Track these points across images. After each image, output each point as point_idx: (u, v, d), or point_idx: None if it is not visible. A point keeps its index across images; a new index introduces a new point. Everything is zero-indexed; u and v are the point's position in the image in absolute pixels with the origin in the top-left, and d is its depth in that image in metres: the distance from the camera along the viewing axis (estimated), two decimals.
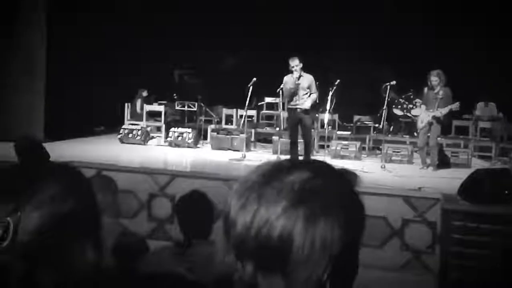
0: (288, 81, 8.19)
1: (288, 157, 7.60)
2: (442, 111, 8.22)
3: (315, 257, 0.86)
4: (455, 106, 8.25)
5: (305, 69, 8.21)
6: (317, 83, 8.40)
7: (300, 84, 8.08)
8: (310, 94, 8.16)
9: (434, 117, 8.25)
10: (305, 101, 8.10)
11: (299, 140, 8.29)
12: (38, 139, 5.92)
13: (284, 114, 11.15)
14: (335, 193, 0.90)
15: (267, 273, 0.87)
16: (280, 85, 9.27)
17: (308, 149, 8.30)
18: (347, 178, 0.94)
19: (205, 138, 10.82)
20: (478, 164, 8.98)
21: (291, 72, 8.13)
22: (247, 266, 0.87)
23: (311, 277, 0.87)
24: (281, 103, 10.03)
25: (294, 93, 8.10)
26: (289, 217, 0.85)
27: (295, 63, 8.03)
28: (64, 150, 8.25)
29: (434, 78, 8.18)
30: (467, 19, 11.32)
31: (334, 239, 0.87)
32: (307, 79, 8.14)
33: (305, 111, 8.15)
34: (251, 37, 12.56)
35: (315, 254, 0.86)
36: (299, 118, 8.13)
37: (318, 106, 8.63)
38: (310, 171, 0.90)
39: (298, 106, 8.12)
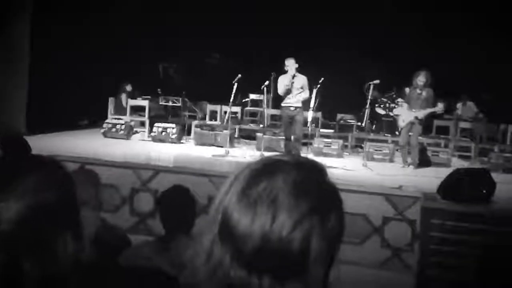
0: (283, 80, 8.48)
1: (275, 153, 7.66)
2: (425, 112, 8.32)
3: (328, 254, 0.88)
4: (439, 109, 8.36)
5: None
6: (318, 86, 8.65)
7: (294, 83, 8.40)
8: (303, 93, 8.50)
9: (416, 117, 8.35)
10: (297, 100, 8.44)
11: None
12: (20, 132, 5.88)
13: (268, 111, 11.21)
14: (325, 187, 0.92)
15: (286, 281, 0.85)
16: (265, 82, 9.33)
17: (297, 145, 8.49)
18: (326, 171, 0.96)
19: (189, 133, 10.80)
20: (458, 163, 9.09)
21: (286, 72, 8.45)
22: (264, 279, 0.85)
23: (324, 275, 0.89)
24: (265, 100, 10.06)
25: (287, 92, 8.41)
26: (307, 223, 0.85)
27: (291, 63, 8.39)
28: (46, 144, 8.18)
29: (422, 78, 8.26)
30: (451, 20, 11.43)
31: (335, 233, 0.89)
32: (301, 79, 8.48)
33: (297, 109, 8.45)
34: (236, 34, 12.55)
35: (328, 251, 0.88)
36: (292, 115, 8.43)
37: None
38: (301, 169, 0.91)
39: (291, 105, 8.46)
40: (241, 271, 0.85)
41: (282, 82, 8.48)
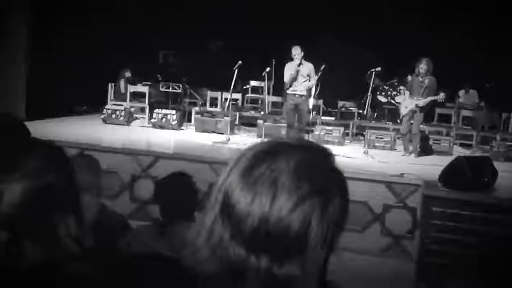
0: (289, 67, 8.50)
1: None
2: (425, 101, 8.28)
3: (327, 238, 0.87)
4: (441, 97, 8.32)
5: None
6: (320, 73, 8.68)
7: (300, 71, 8.42)
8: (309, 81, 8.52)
9: (417, 105, 8.32)
10: (302, 88, 8.47)
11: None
12: (20, 118, 5.84)
13: (269, 98, 11.17)
14: (329, 172, 0.92)
15: (283, 262, 0.85)
16: (266, 68, 9.30)
17: (302, 134, 8.52)
18: (332, 156, 0.95)
19: (189, 120, 10.78)
20: (459, 151, 9.09)
21: (292, 59, 8.46)
22: (262, 259, 0.85)
23: (323, 259, 0.89)
24: (266, 87, 10.04)
25: (293, 79, 8.44)
26: (307, 205, 0.85)
27: (297, 52, 8.40)
28: (46, 129, 8.16)
29: (423, 66, 8.22)
30: (453, 8, 11.36)
31: (337, 218, 0.89)
32: (307, 67, 8.49)
33: (302, 96, 8.47)
34: (237, 21, 12.47)
35: (328, 235, 0.87)
36: (296, 103, 8.46)
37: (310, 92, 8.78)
38: (305, 151, 0.91)
39: (296, 92, 8.48)
40: (240, 250, 0.85)
41: (288, 71, 8.49)
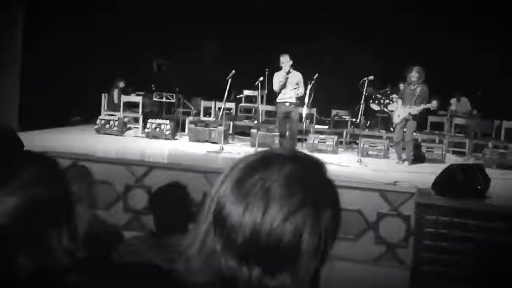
0: (278, 76, 8.52)
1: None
2: (418, 109, 8.32)
3: (319, 248, 0.87)
4: (434, 105, 8.36)
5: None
6: (313, 82, 8.72)
7: (289, 79, 8.43)
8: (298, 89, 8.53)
9: (410, 114, 8.36)
10: (292, 96, 8.48)
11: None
12: (12, 128, 5.83)
13: (262, 108, 11.19)
14: (320, 183, 0.92)
15: (275, 273, 0.85)
16: (259, 78, 9.32)
17: (292, 142, 8.52)
18: (324, 167, 0.96)
19: (183, 130, 10.78)
20: (452, 159, 9.12)
21: (281, 68, 8.49)
22: (254, 270, 0.85)
23: (315, 269, 0.89)
24: (259, 96, 10.06)
25: (283, 86, 8.46)
26: (299, 216, 0.85)
27: (285, 60, 8.42)
28: (39, 140, 8.14)
29: (415, 74, 8.26)
30: (445, 16, 11.46)
31: (329, 229, 0.89)
32: (296, 76, 8.52)
33: (292, 105, 8.50)
34: (230, 30, 12.53)
35: (320, 246, 0.87)
36: (287, 112, 8.49)
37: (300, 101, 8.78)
38: (297, 163, 0.91)
39: (286, 100, 8.50)
40: (232, 262, 0.85)
41: (277, 78, 8.50)
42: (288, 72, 8.40)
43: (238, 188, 0.88)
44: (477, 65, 11.12)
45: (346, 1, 12.04)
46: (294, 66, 8.52)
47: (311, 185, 0.89)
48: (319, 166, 0.94)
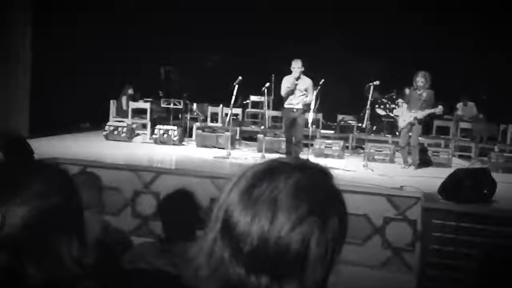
0: (287, 80, 8.39)
1: (277, 155, 7.70)
2: (424, 113, 8.33)
3: (326, 256, 0.89)
4: (439, 110, 8.36)
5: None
6: (319, 87, 8.52)
7: (298, 85, 8.31)
8: (306, 96, 8.38)
9: (415, 118, 8.37)
10: (299, 102, 8.35)
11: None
12: (23, 135, 5.91)
13: (269, 113, 11.23)
14: (327, 191, 0.94)
15: (283, 282, 0.86)
16: (266, 83, 9.33)
17: (297, 148, 8.45)
18: (331, 175, 0.97)
19: (191, 135, 10.84)
20: (458, 163, 9.10)
21: (291, 72, 8.35)
22: (262, 279, 0.86)
23: (323, 277, 0.90)
24: (266, 102, 10.10)
25: (290, 92, 8.33)
26: (306, 225, 0.86)
27: (297, 65, 8.28)
28: (49, 147, 8.22)
29: (421, 79, 8.26)
30: (451, 20, 11.45)
31: (336, 237, 0.90)
32: (306, 82, 8.37)
33: (298, 110, 8.37)
34: (236, 36, 12.59)
35: (327, 254, 0.89)
36: (294, 117, 8.37)
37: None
38: (304, 172, 0.92)
39: (293, 106, 8.37)
40: (240, 270, 0.87)
41: (285, 83, 8.38)
42: (298, 78, 8.29)
43: (246, 197, 0.89)
44: (483, 70, 11.11)
45: (352, 6, 12.06)
46: (304, 71, 8.38)
47: (318, 194, 0.91)
48: (325, 175, 0.95)
